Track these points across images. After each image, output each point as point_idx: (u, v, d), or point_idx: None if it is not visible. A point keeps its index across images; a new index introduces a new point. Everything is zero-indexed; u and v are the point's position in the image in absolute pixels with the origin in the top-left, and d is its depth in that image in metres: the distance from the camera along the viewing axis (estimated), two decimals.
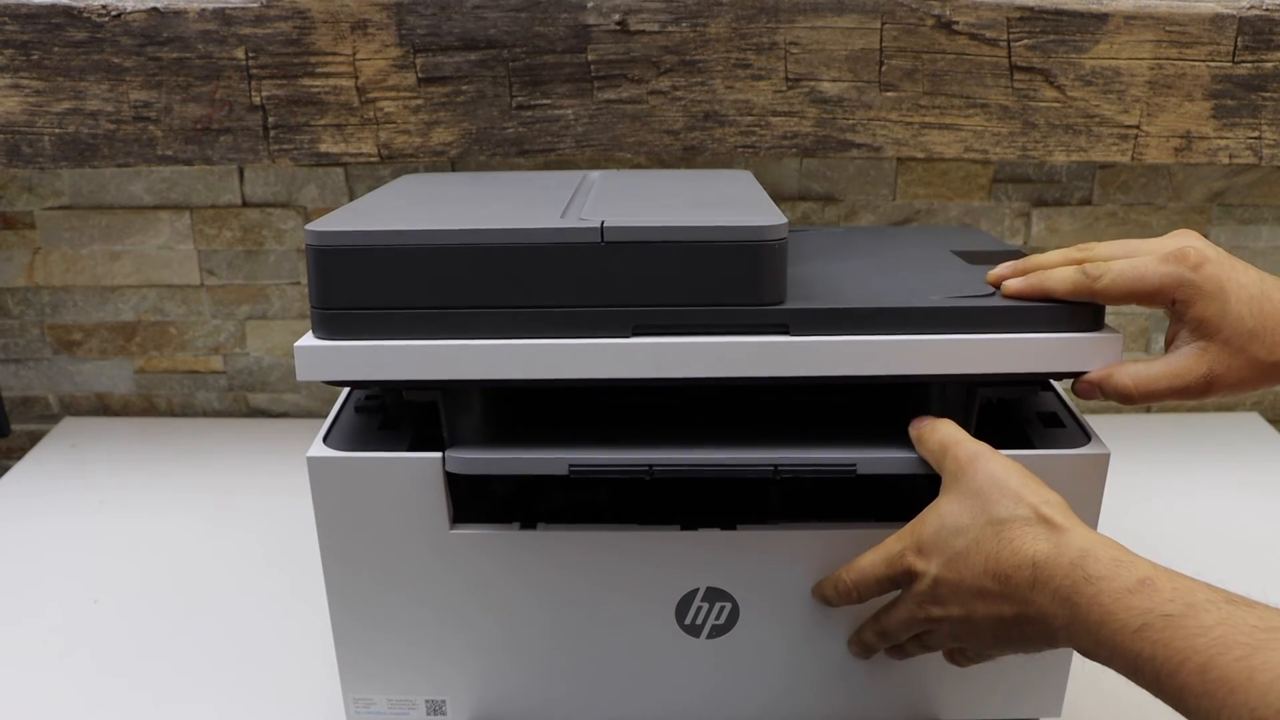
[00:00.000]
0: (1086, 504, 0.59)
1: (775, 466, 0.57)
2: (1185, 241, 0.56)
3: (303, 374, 0.56)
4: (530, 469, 0.58)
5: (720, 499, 0.63)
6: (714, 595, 0.61)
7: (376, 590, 0.61)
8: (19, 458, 1.06)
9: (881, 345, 0.56)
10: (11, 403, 1.14)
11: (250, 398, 1.14)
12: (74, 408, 1.15)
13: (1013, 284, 0.58)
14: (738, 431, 0.61)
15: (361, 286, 0.55)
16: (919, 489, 0.59)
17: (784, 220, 0.55)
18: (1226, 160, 0.93)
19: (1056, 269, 0.57)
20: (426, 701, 0.65)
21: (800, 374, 0.57)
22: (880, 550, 0.56)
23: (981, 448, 0.55)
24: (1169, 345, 0.56)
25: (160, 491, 0.99)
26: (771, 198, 1.04)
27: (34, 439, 1.13)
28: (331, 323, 0.56)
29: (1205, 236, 1.05)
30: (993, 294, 0.59)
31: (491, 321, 0.56)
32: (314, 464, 0.58)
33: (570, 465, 0.57)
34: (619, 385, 0.57)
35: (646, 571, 0.61)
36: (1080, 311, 0.57)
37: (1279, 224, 1.07)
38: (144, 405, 1.14)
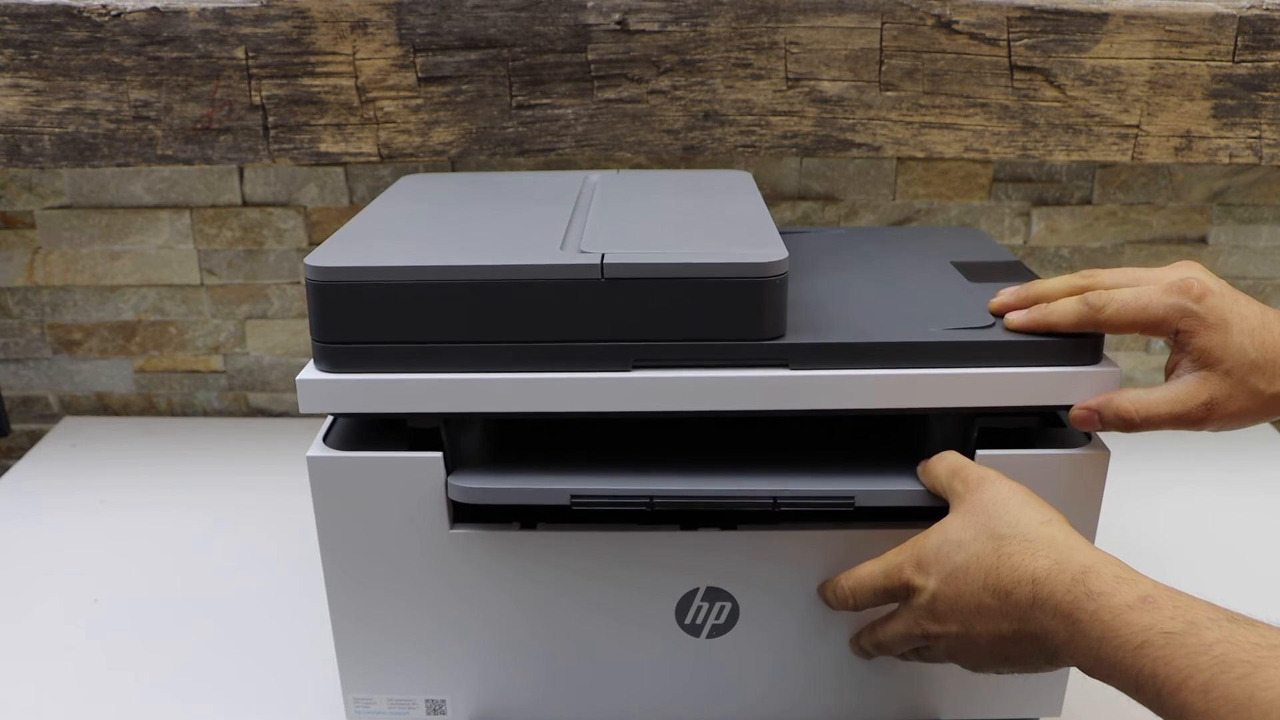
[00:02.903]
0: (1087, 503, 0.59)
1: (774, 499, 0.58)
2: (1188, 273, 0.56)
3: (305, 406, 0.57)
4: (532, 499, 0.58)
5: None
6: (714, 595, 0.61)
7: (376, 590, 0.61)
8: (19, 457, 1.06)
9: (882, 379, 0.57)
10: (11, 402, 1.14)
11: (250, 397, 1.14)
12: (74, 407, 1.15)
13: (1016, 318, 0.58)
14: (737, 459, 0.61)
15: (362, 321, 0.56)
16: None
17: (785, 254, 0.55)
18: (1227, 160, 0.93)
19: (1059, 302, 0.58)
20: (426, 701, 0.65)
21: (800, 407, 0.57)
22: (880, 562, 0.56)
23: (989, 471, 0.55)
24: (1169, 374, 0.57)
25: (160, 491, 0.99)
26: (772, 197, 1.05)
27: (34, 439, 1.13)
28: (333, 356, 0.57)
29: (1205, 236, 1.06)
30: (994, 324, 0.59)
31: (492, 355, 0.56)
32: (314, 464, 0.58)
33: (572, 496, 0.57)
34: (620, 417, 0.58)
35: (646, 571, 0.61)
36: (1080, 345, 0.57)
37: (1279, 223, 1.07)
38: (144, 405, 1.14)
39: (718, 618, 0.62)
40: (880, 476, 0.59)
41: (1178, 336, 0.55)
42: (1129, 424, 0.56)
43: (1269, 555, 0.89)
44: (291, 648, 0.78)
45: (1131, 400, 0.56)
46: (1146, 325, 0.55)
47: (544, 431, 0.63)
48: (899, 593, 0.55)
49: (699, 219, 0.65)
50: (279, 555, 0.89)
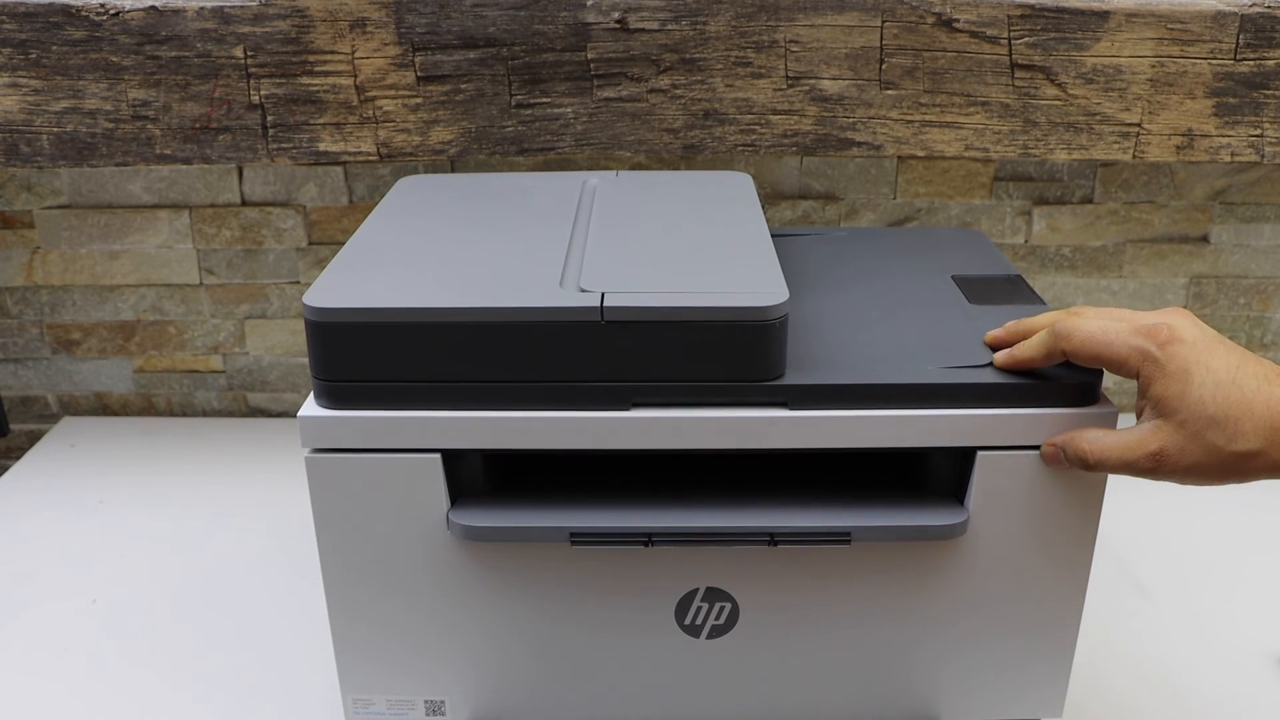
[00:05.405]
0: (1088, 503, 0.59)
1: (771, 535, 0.58)
2: (1165, 318, 0.55)
3: (306, 441, 0.58)
4: (533, 537, 0.59)
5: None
6: (714, 595, 0.61)
7: (375, 590, 0.61)
8: (18, 457, 1.06)
9: (880, 420, 0.57)
10: (11, 402, 1.14)
11: (250, 397, 1.14)
12: (73, 407, 1.15)
13: (1000, 357, 0.58)
14: (735, 491, 0.61)
15: (361, 359, 0.56)
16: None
17: (785, 296, 0.55)
18: (1228, 158, 0.93)
19: (1031, 338, 0.57)
20: (426, 702, 0.65)
21: (799, 446, 0.58)
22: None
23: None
24: (1138, 417, 0.56)
25: (160, 491, 0.99)
26: (772, 196, 1.05)
27: (33, 439, 1.13)
28: (333, 392, 0.57)
29: (1206, 235, 1.06)
30: (990, 362, 0.59)
31: (491, 393, 0.57)
32: (313, 463, 0.58)
33: (571, 534, 0.58)
34: (617, 455, 0.58)
35: (646, 572, 0.61)
36: (1077, 388, 0.57)
37: None
38: (143, 405, 1.14)
39: (718, 618, 0.62)
40: (877, 509, 0.59)
41: (1139, 380, 0.55)
42: (1086, 464, 0.56)
43: (1264, 554, 0.89)
44: (291, 648, 0.78)
45: (1089, 440, 0.55)
46: (1109, 362, 0.55)
47: (543, 464, 0.63)
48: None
49: (699, 245, 0.64)
50: (278, 555, 0.89)
